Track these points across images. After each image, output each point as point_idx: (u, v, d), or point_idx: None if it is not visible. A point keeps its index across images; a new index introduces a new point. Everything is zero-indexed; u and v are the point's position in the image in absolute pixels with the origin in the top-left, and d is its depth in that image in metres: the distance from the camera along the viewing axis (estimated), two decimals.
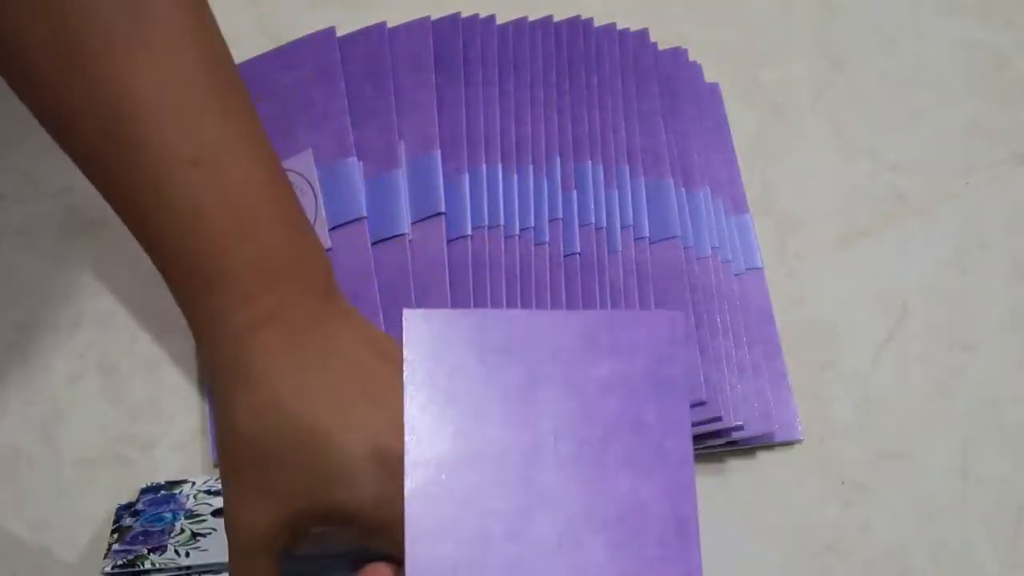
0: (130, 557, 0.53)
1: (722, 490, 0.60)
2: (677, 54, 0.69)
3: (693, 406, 0.57)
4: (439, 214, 0.61)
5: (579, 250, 0.61)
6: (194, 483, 0.58)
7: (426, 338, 0.45)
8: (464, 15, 0.67)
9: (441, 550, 0.42)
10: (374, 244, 0.61)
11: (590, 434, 0.44)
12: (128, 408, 0.62)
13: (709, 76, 0.70)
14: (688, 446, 0.44)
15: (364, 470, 0.44)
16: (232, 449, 0.46)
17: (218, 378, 0.47)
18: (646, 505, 0.43)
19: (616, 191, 0.63)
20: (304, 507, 0.45)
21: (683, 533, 0.44)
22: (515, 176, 0.63)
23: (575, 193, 0.63)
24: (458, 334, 0.45)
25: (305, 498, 0.45)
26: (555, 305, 0.60)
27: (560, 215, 0.62)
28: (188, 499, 0.57)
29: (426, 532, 0.42)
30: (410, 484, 0.43)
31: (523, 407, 0.44)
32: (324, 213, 0.62)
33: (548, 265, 0.61)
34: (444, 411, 0.44)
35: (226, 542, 0.52)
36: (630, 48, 0.68)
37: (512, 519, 0.43)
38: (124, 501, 0.58)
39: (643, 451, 0.44)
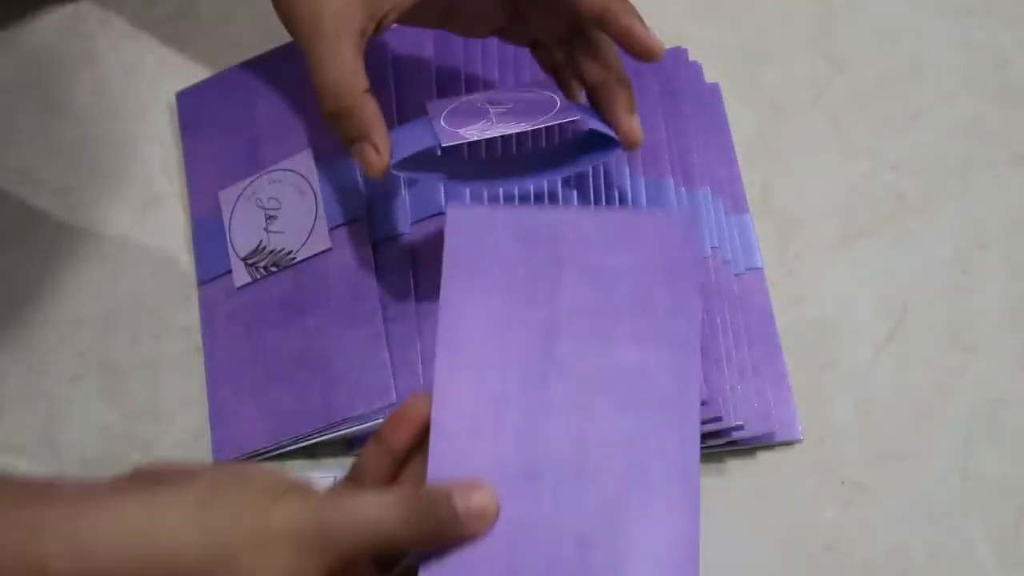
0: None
1: (722, 490, 0.60)
2: (677, 54, 0.69)
3: None
4: (439, 214, 0.61)
5: None
6: None
7: (464, 229, 0.50)
8: None
9: (464, 403, 0.48)
10: (374, 244, 0.61)
11: (603, 313, 0.49)
12: (128, 408, 0.62)
13: (709, 76, 0.70)
14: (696, 329, 0.48)
15: None
16: None
17: None
18: (651, 374, 0.48)
19: (616, 191, 0.63)
20: None
21: (683, 402, 0.48)
22: None
23: (575, 192, 0.62)
24: (493, 225, 0.50)
25: None
26: None
27: None
28: None
29: (450, 389, 0.48)
30: (440, 352, 0.48)
31: (545, 287, 0.49)
32: (323, 213, 0.62)
33: None
34: (473, 290, 0.49)
35: None
36: None
37: (528, 381, 0.48)
38: None
39: (651, 329, 0.48)
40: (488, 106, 0.55)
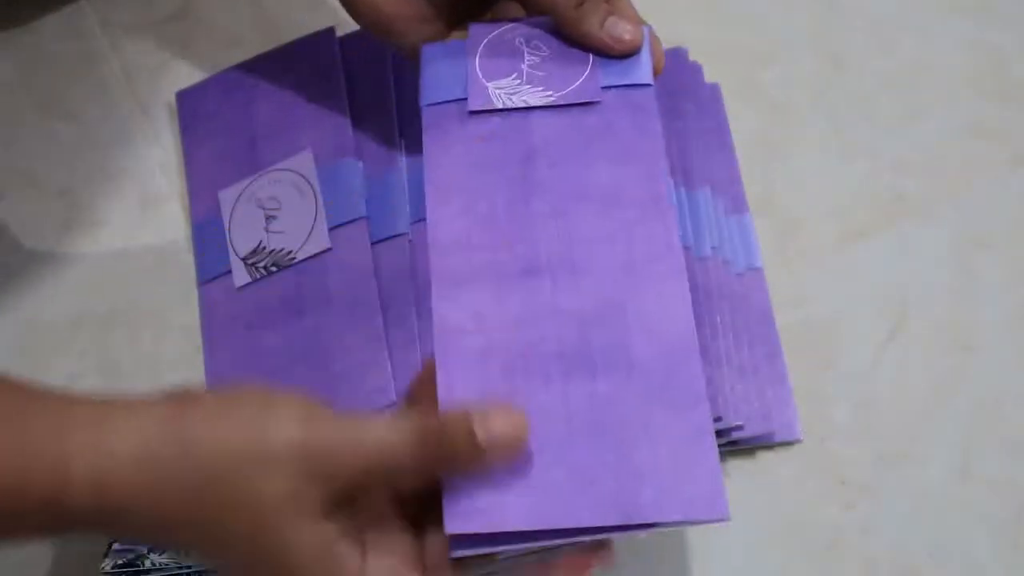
0: (130, 556, 0.53)
1: None
2: (677, 54, 0.69)
3: None
4: None
5: None
6: None
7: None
8: None
9: (456, 224, 0.52)
10: (374, 244, 0.61)
11: (575, 140, 0.53)
12: None
13: (709, 76, 0.70)
14: (659, 146, 0.53)
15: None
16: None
17: None
18: (624, 186, 0.52)
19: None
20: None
21: (658, 202, 0.51)
22: None
23: None
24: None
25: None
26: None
27: None
28: None
29: (441, 214, 0.52)
30: (428, 187, 0.52)
31: (520, 131, 0.54)
32: (324, 213, 0.62)
33: None
34: (452, 135, 0.54)
35: None
36: None
37: (513, 201, 0.52)
38: None
39: (620, 150, 0.53)
40: (524, 47, 0.56)
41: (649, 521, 0.45)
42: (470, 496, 0.45)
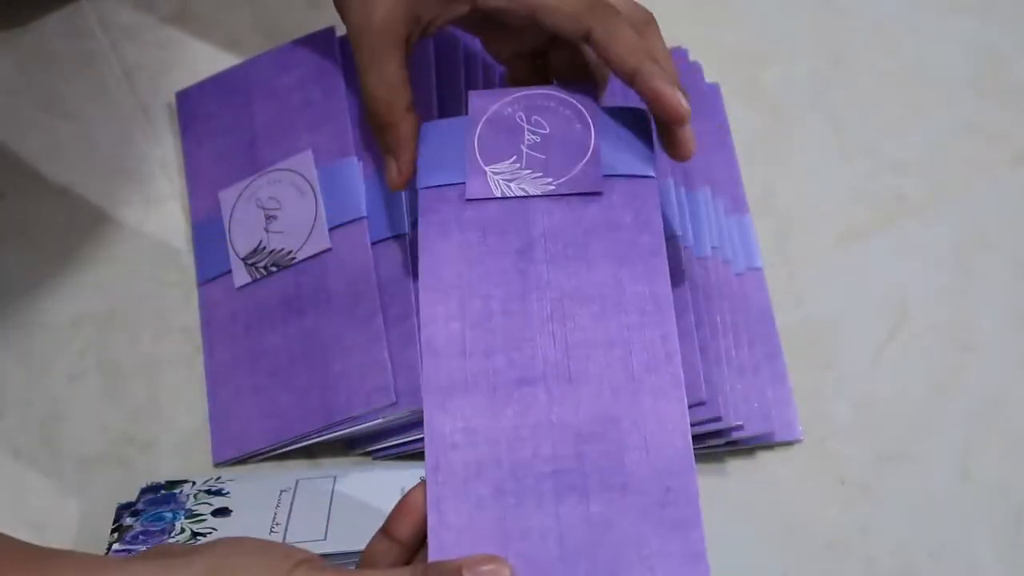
0: (130, 556, 0.53)
1: (722, 490, 0.60)
2: (677, 54, 0.69)
3: (693, 406, 0.57)
4: None
5: None
6: (194, 483, 0.58)
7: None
8: None
9: (451, 327, 0.50)
10: (374, 244, 0.61)
11: (575, 234, 0.52)
12: (128, 408, 0.62)
13: (709, 76, 0.70)
14: (660, 242, 0.51)
15: None
16: None
17: None
18: (625, 286, 0.51)
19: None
20: None
21: (658, 305, 0.50)
22: None
23: None
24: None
25: None
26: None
27: None
28: (188, 499, 0.57)
29: (436, 315, 0.50)
30: (423, 286, 0.51)
31: (518, 221, 0.52)
32: (324, 213, 0.62)
33: None
34: (451, 232, 0.52)
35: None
36: None
37: (510, 299, 0.51)
38: (124, 501, 0.58)
39: (620, 246, 0.52)
40: (525, 123, 0.55)
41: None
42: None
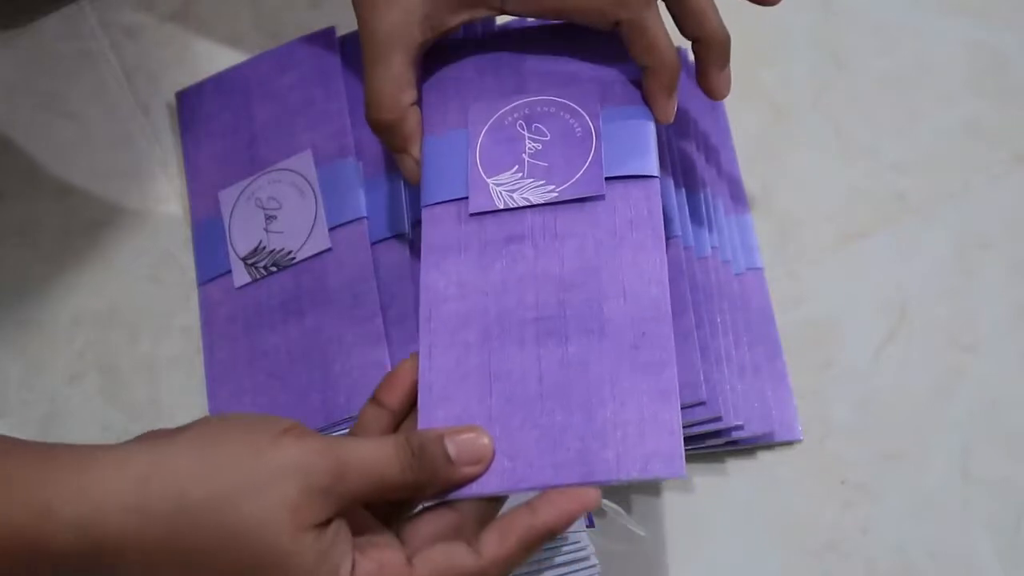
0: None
1: (722, 490, 0.60)
2: (677, 54, 0.69)
3: (693, 406, 0.57)
4: None
5: None
6: None
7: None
8: None
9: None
10: (374, 244, 0.61)
11: (575, 233, 0.53)
12: (128, 408, 0.62)
13: None
14: (661, 242, 0.52)
15: None
16: None
17: None
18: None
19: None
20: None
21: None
22: None
23: None
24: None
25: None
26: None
27: None
28: None
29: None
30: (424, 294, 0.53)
31: (520, 223, 0.53)
32: (323, 213, 0.62)
33: None
34: (453, 248, 0.53)
35: None
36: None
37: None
38: None
39: (624, 258, 0.52)
40: (525, 131, 0.55)
41: (609, 480, 0.47)
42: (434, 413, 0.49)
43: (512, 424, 0.49)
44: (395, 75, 0.56)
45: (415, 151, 0.56)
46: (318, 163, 0.64)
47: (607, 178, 0.53)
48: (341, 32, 0.67)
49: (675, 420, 0.48)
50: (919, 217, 0.67)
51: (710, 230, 0.63)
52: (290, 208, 0.63)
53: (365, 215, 0.62)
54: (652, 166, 0.54)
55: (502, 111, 0.56)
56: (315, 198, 0.63)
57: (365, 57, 0.56)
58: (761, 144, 0.69)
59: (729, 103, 0.69)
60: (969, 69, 0.70)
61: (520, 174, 0.54)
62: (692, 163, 0.65)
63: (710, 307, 0.61)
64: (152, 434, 0.46)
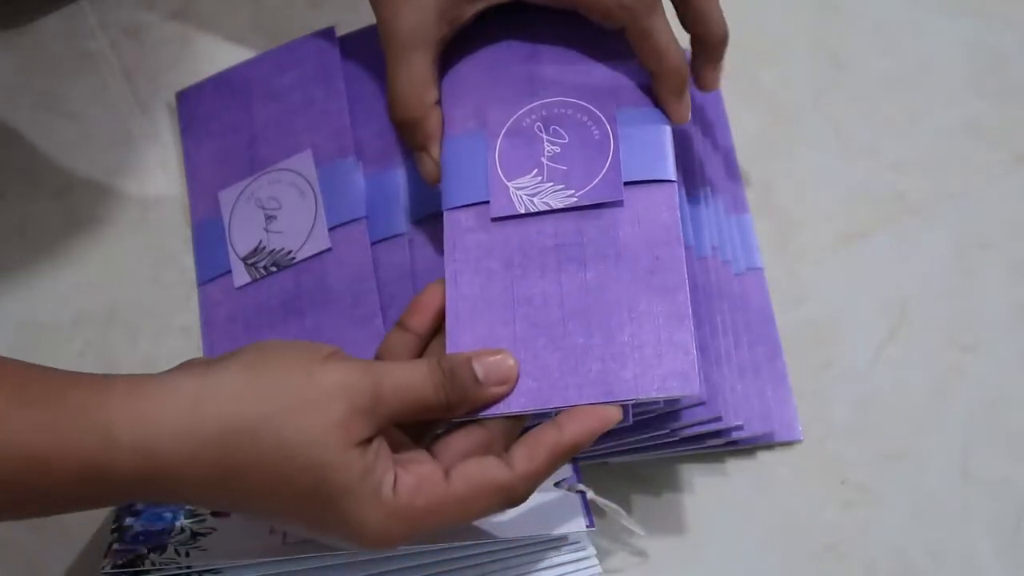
0: (130, 557, 0.53)
1: (722, 490, 0.60)
2: None
3: (693, 406, 0.57)
4: (439, 213, 0.61)
5: None
6: None
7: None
8: None
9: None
10: (374, 244, 0.61)
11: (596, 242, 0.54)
12: None
13: None
14: (680, 248, 0.53)
15: None
16: None
17: None
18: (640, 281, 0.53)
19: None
20: None
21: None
22: None
23: None
24: None
25: None
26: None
27: None
28: None
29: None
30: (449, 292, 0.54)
31: (543, 229, 0.54)
32: (323, 213, 0.62)
33: None
34: (477, 254, 0.54)
35: (227, 539, 0.52)
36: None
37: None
38: None
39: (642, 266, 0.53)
40: (543, 133, 0.56)
41: (629, 398, 0.50)
42: None
43: (536, 347, 0.52)
44: (418, 73, 0.57)
45: (435, 151, 0.57)
46: (318, 163, 0.63)
47: (626, 183, 0.54)
48: (341, 32, 0.67)
49: (690, 341, 0.51)
50: (919, 217, 0.67)
51: (710, 230, 0.63)
52: (290, 208, 0.63)
53: (365, 215, 0.62)
54: (670, 170, 0.54)
55: (519, 113, 0.56)
56: (315, 198, 0.63)
57: (388, 56, 0.57)
58: (761, 144, 0.69)
59: (729, 103, 0.69)
60: (969, 69, 0.70)
61: (540, 178, 0.55)
62: (692, 163, 0.65)
63: (710, 307, 0.61)
64: (194, 362, 0.49)
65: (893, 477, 0.60)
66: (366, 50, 0.66)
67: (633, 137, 0.55)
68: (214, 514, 0.56)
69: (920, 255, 0.65)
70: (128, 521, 0.56)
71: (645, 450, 0.58)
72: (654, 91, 0.56)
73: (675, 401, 0.55)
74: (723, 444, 0.59)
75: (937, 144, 0.68)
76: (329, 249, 0.62)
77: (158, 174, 0.69)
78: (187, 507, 0.56)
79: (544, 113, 0.56)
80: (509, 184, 0.55)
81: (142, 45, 0.72)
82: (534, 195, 0.55)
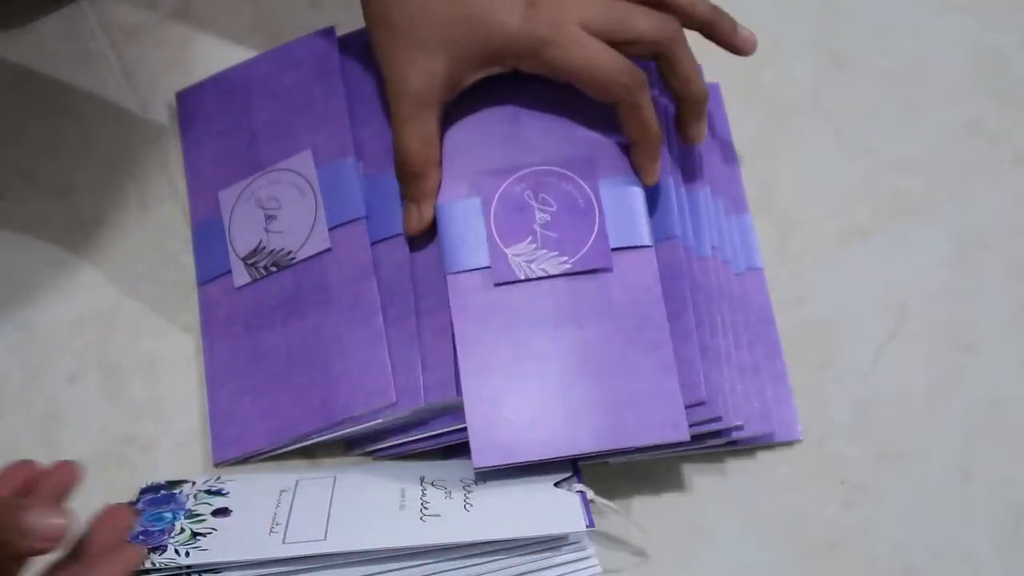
0: None
1: (722, 490, 0.60)
2: None
3: (693, 406, 0.57)
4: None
5: None
6: (194, 483, 0.58)
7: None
8: None
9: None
10: (374, 244, 0.61)
11: (590, 308, 0.58)
12: (128, 408, 0.62)
13: (709, 76, 0.70)
14: (661, 309, 0.58)
15: (507, 4, 0.57)
16: (387, 21, 0.58)
17: None
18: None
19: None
20: (460, 54, 0.57)
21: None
22: None
23: None
24: None
25: (460, 46, 0.57)
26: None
27: None
28: (188, 499, 0.57)
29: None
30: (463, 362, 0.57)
31: (541, 292, 0.58)
32: (323, 213, 0.62)
33: None
34: (481, 317, 0.58)
35: (227, 539, 0.52)
36: None
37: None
38: (124, 501, 0.58)
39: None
40: (533, 201, 0.59)
41: (634, 445, 0.55)
42: (489, 434, 0.55)
43: (544, 400, 0.56)
44: (428, 131, 0.59)
45: (427, 208, 0.60)
46: (318, 163, 0.64)
47: (612, 249, 0.58)
48: (341, 32, 0.67)
49: (676, 392, 0.56)
50: (919, 217, 0.67)
51: (710, 230, 0.63)
52: (290, 208, 0.63)
53: (365, 215, 0.62)
54: (648, 237, 0.59)
55: (509, 181, 0.60)
56: (315, 198, 0.63)
57: (395, 113, 0.59)
58: (761, 144, 0.69)
59: (729, 103, 0.69)
60: (969, 69, 0.70)
61: (535, 244, 0.58)
62: (692, 163, 0.65)
63: (710, 307, 0.61)
64: None
65: (893, 477, 0.60)
66: (366, 50, 0.66)
67: (614, 205, 0.59)
68: (214, 514, 0.56)
69: (920, 255, 0.66)
70: None
71: (645, 450, 0.58)
72: (633, 157, 0.60)
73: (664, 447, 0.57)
74: (723, 444, 0.59)
75: (937, 144, 0.68)
76: (329, 249, 0.62)
77: (158, 174, 0.69)
78: (187, 507, 0.56)
79: (532, 181, 0.59)
80: (507, 251, 0.58)
81: (142, 45, 0.72)
82: (531, 261, 0.58)
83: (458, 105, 0.61)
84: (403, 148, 0.59)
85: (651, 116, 0.59)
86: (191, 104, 0.69)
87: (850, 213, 0.67)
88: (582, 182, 0.59)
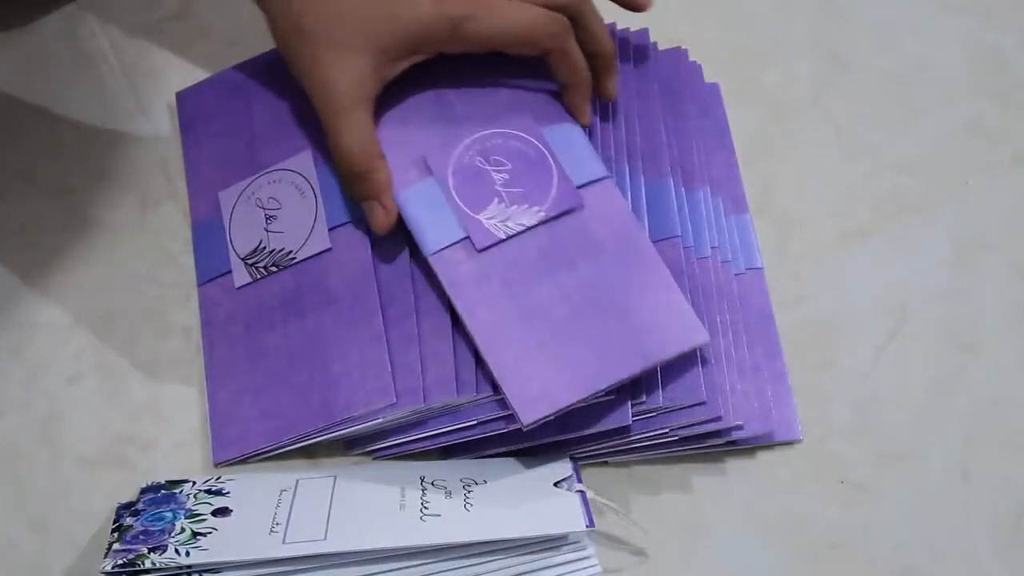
0: (130, 556, 0.53)
1: (722, 490, 0.60)
2: (677, 54, 0.69)
3: (693, 406, 0.57)
4: None
5: None
6: (194, 482, 0.58)
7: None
8: None
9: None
10: (374, 244, 0.61)
11: (576, 245, 0.59)
12: (128, 408, 0.62)
13: (709, 76, 0.70)
14: (637, 228, 0.59)
15: None
16: (299, 31, 0.58)
17: None
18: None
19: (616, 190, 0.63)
20: (379, 47, 0.58)
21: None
22: None
23: None
24: None
25: (378, 39, 0.58)
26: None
27: None
28: (188, 498, 0.57)
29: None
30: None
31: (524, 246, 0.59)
32: (323, 213, 0.62)
33: None
34: (474, 283, 0.58)
35: (228, 539, 0.52)
36: (630, 48, 0.68)
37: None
38: (124, 501, 0.58)
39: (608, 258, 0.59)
40: (487, 164, 0.60)
41: (663, 359, 0.56)
42: (526, 390, 0.55)
43: (564, 343, 0.56)
44: (364, 129, 0.59)
45: (388, 200, 0.59)
46: (318, 163, 0.64)
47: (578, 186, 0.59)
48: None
49: (684, 303, 0.57)
50: (919, 217, 0.67)
51: (710, 230, 0.63)
52: (290, 208, 0.63)
53: (364, 216, 0.62)
54: (602, 168, 0.60)
55: (458, 151, 0.60)
56: (315, 198, 0.63)
57: (328, 117, 0.59)
58: (761, 144, 0.69)
59: (729, 103, 0.69)
60: (969, 69, 0.70)
61: (503, 204, 0.59)
62: (692, 163, 0.65)
63: (710, 307, 0.61)
64: None
65: (893, 477, 0.60)
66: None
67: (563, 150, 0.60)
68: (214, 514, 0.56)
69: (920, 255, 0.66)
70: (128, 521, 0.56)
71: (645, 450, 0.58)
72: (567, 101, 0.62)
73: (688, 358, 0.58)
74: (723, 444, 0.59)
75: (937, 144, 0.68)
76: (329, 249, 0.62)
77: (158, 174, 0.69)
78: (187, 507, 0.56)
79: (480, 147, 0.60)
80: (479, 217, 0.58)
81: (142, 45, 0.72)
82: (506, 220, 0.59)
83: (384, 100, 0.61)
84: (344, 150, 0.59)
85: (580, 58, 0.60)
86: (191, 104, 0.69)
87: (850, 213, 0.67)
88: (527, 135, 0.60)
